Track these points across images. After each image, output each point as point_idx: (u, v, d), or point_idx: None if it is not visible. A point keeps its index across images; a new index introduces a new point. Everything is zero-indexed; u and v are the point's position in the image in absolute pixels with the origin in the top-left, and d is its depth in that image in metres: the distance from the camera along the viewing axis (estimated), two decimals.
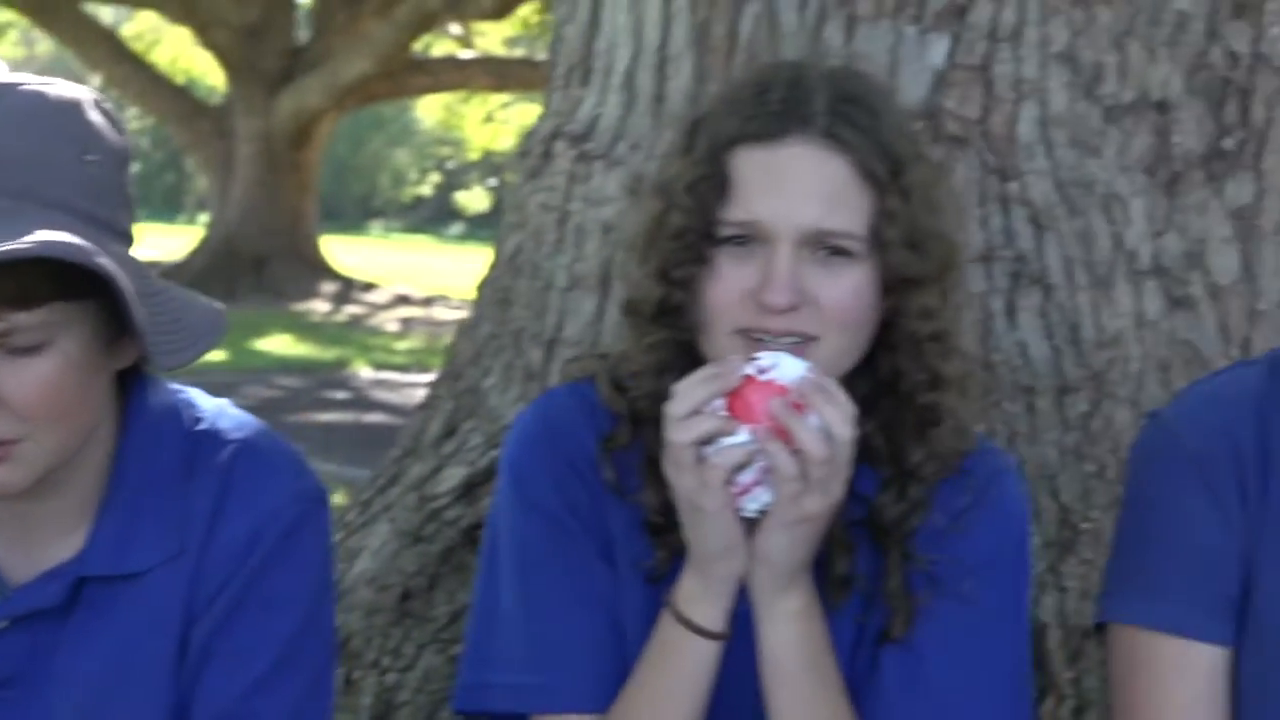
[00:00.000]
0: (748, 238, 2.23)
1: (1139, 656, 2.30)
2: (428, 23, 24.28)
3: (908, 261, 2.23)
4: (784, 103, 2.24)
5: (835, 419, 2.10)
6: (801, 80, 2.27)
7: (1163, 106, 3.24)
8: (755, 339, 2.21)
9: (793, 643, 2.20)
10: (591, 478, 2.34)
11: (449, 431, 3.66)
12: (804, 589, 2.21)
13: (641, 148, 3.43)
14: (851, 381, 2.26)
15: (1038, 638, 3.05)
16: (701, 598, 2.20)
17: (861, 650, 2.31)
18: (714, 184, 2.24)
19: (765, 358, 2.14)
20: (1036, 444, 3.16)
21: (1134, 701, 2.31)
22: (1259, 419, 2.27)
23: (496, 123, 33.13)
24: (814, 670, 2.22)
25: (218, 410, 2.30)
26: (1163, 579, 2.28)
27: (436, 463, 3.62)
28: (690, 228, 2.25)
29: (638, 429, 2.33)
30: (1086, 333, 3.19)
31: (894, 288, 2.25)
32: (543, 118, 3.78)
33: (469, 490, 3.51)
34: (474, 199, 58.30)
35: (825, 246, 2.22)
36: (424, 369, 16.31)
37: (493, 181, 55.59)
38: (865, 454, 2.22)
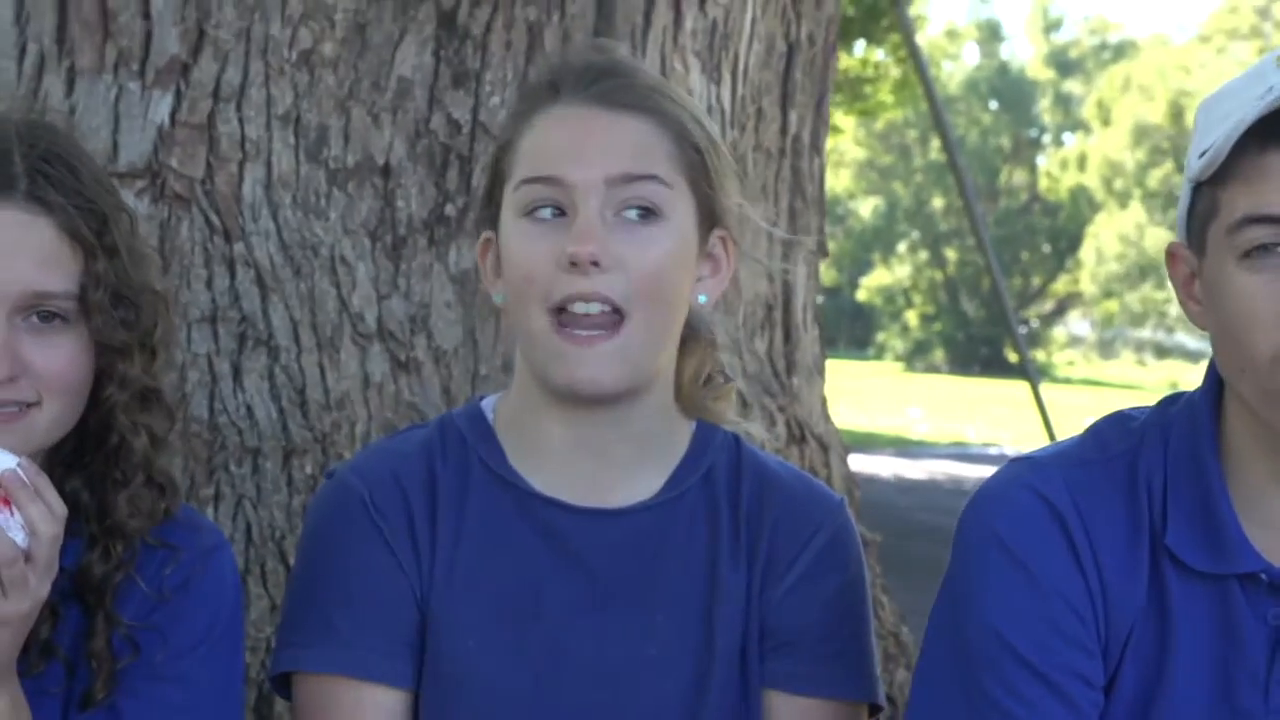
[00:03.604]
0: None
1: (318, 703, 2.28)
2: None
3: (116, 323, 2.18)
4: None
5: (38, 516, 2.02)
6: None
7: (386, 171, 3.29)
8: None
9: None
10: None
11: None
12: (6, 690, 2.08)
13: None
14: (61, 438, 2.20)
15: (269, 701, 3.03)
16: None
17: None
18: None
19: None
20: (264, 506, 3.15)
21: None
22: (427, 469, 2.35)
23: None
24: None
25: None
26: (336, 624, 2.29)
27: None
28: None
29: None
30: (313, 395, 3.20)
31: (103, 348, 2.19)
32: None
33: None
34: None
35: (38, 312, 2.14)
36: None
37: None
38: (73, 510, 2.14)
